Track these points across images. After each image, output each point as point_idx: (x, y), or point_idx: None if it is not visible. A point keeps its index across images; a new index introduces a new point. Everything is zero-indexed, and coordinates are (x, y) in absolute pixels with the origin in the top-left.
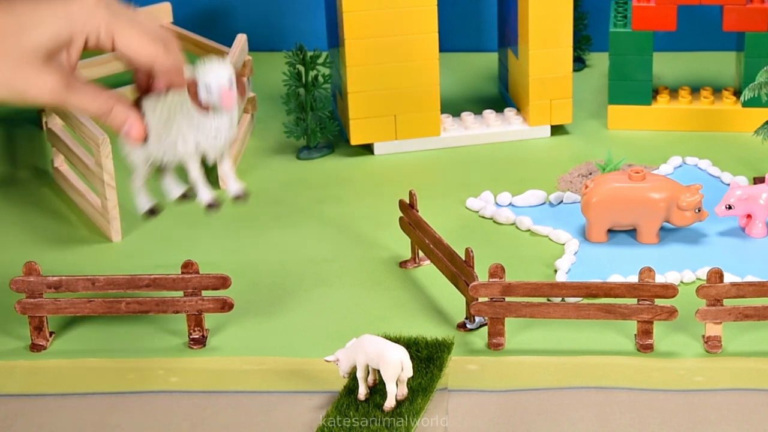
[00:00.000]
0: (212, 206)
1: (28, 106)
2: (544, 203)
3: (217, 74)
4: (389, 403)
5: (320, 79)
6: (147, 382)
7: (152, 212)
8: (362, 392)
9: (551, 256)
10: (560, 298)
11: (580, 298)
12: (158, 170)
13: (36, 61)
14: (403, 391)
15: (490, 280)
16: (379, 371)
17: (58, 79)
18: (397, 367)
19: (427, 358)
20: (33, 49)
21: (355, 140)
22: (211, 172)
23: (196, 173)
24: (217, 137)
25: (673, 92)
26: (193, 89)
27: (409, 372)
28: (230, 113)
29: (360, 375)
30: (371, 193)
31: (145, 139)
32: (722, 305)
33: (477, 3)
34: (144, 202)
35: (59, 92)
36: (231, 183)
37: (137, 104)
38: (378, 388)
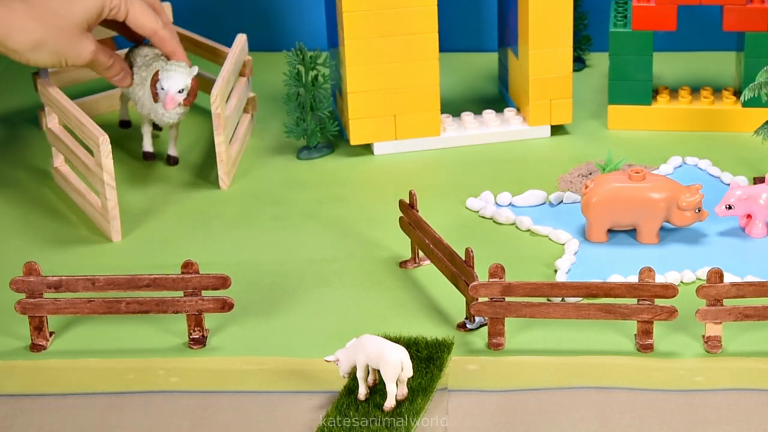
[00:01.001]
0: (149, 156)
1: (65, 67)
2: (544, 203)
3: (173, 81)
4: (389, 403)
5: (320, 79)
6: (147, 382)
7: (150, 156)
8: (362, 392)
9: (551, 256)
10: (560, 298)
11: (580, 298)
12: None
13: (81, 30)
14: (403, 391)
15: (490, 280)
16: (379, 371)
17: (93, 44)
18: (397, 367)
19: (427, 358)
20: (79, 22)
21: (355, 140)
22: (210, 172)
23: (145, 129)
24: (162, 118)
25: (673, 92)
26: (154, 81)
27: (409, 372)
28: (171, 111)
29: (360, 375)
30: (371, 193)
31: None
32: (722, 305)
33: (477, 3)
34: (147, 145)
35: (94, 54)
36: (171, 147)
37: (130, 52)
38: (378, 388)
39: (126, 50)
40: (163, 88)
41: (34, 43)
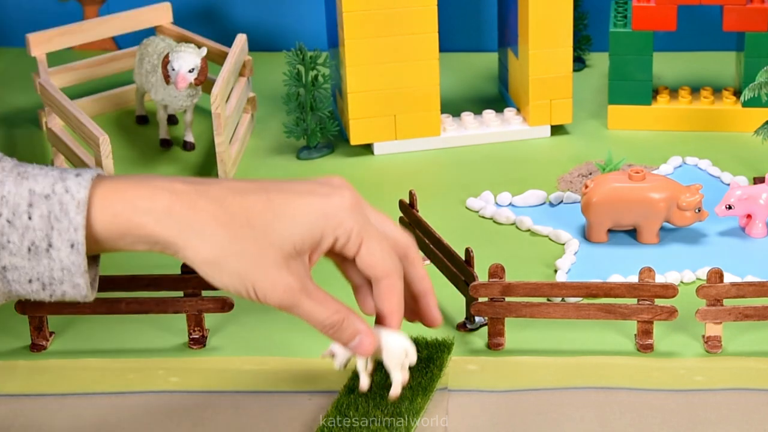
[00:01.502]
0: (165, 143)
1: (252, 300)
2: (544, 203)
3: (183, 61)
4: (395, 391)
5: (320, 79)
6: (147, 382)
7: (166, 143)
8: (364, 383)
9: (551, 256)
10: (560, 298)
11: (580, 298)
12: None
13: (279, 256)
14: (406, 376)
15: (490, 280)
16: (379, 361)
17: (295, 281)
18: (401, 356)
19: (427, 358)
20: (280, 243)
21: (355, 140)
22: (210, 172)
23: (160, 116)
24: (175, 102)
25: (673, 92)
26: (165, 63)
27: (413, 357)
28: (183, 91)
29: (360, 366)
30: (371, 193)
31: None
32: (722, 305)
33: (477, 3)
34: (163, 133)
35: (292, 295)
36: (187, 133)
37: (141, 45)
38: (377, 388)
39: (136, 47)
40: (174, 69)
41: (209, 260)
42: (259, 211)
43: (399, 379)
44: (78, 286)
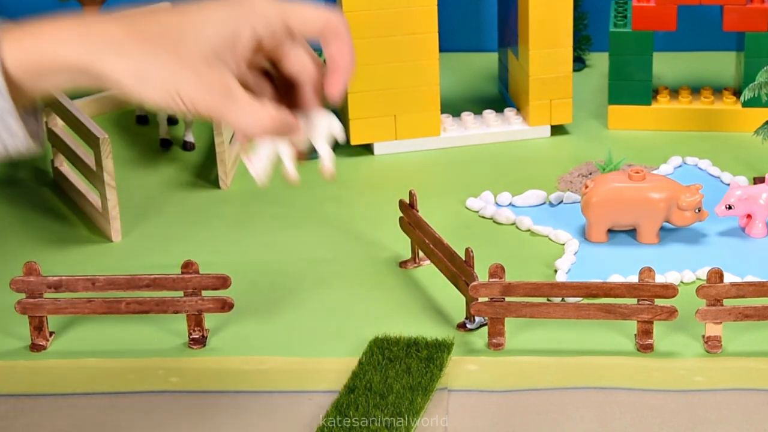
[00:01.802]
0: (166, 143)
1: (182, 115)
2: (544, 203)
3: None
4: (327, 165)
5: None
6: (147, 382)
7: (166, 143)
8: (294, 173)
9: (551, 256)
10: (560, 298)
11: (580, 298)
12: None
13: (199, 60)
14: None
15: (490, 280)
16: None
17: (220, 82)
18: (325, 128)
19: (427, 358)
20: (199, 48)
21: (355, 140)
22: (210, 172)
23: (161, 116)
24: None
25: (673, 92)
26: None
27: (337, 129)
28: None
29: (285, 156)
30: (371, 193)
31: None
32: (722, 305)
33: (477, 3)
34: (163, 132)
35: (220, 96)
36: (187, 133)
37: None
38: (376, 390)
39: None
40: None
41: (133, 69)
42: (174, 23)
43: (326, 151)
44: (12, 130)
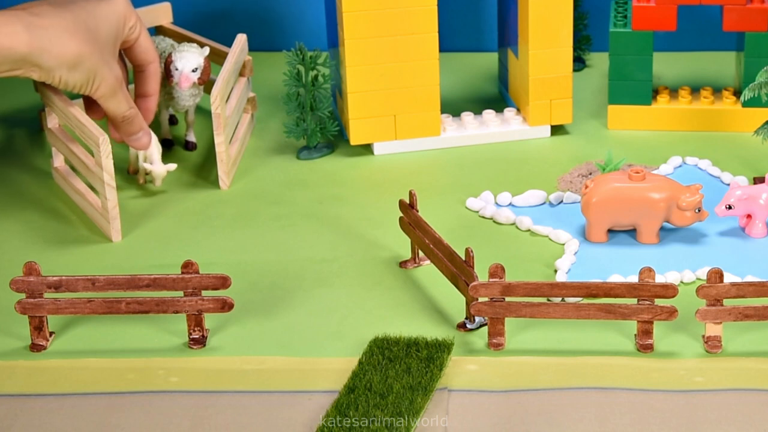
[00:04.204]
0: (167, 143)
1: (93, 91)
2: (544, 203)
3: (186, 61)
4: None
5: (320, 79)
6: (147, 382)
7: (168, 143)
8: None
9: (551, 256)
10: (560, 298)
11: (580, 298)
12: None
13: (110, 53)
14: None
15: (490, 280)
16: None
17: (118, 74)
18: (159, 150)
19: (427, 358)
20: (110, 42)
21: (354, 140)
22: (210, 172)
23: (162, 116)
24: (178, 101)
25: (673, 92)
26: (167, 63)
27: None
28: (186, 91)
29: (140, 159)
30: (371, 193)
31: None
32: (722, 305)
33: (477, 3)
34: (165, 133)
35: (117, 85)
36: (189, 133)
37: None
38: (376, 390)
39: None
40: (177, 69)
41: (71, 60)
42: (88, 18)
43: (158, 168)
44: None
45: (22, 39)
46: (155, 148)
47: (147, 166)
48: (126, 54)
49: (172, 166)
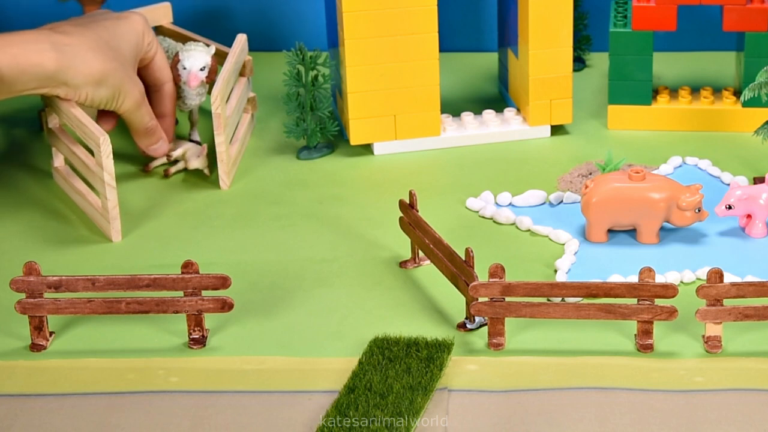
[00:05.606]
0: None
1: (117, 106)
2: (544, 203)
3: (194, 60)
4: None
5: (320, 79)
6: (147, 382)
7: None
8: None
9: (551, 256)
10: (560, 298)
11: (580, 298)
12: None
13: (132, 69)
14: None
15: (490, 280)
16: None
17: (142, 88)
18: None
19: (427, 358)
20: (131, 58)
21: (354, 140)
22: (211, 171)
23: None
24: (185, 101)
25: (673, 92)
26: (175, 62)
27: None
28: (194, 89)
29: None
30: (371, 193)
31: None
32: (722, 305)
33: (477, 3)
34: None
35: (141, 99)
36: (193, 133)
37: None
38: (376, 390)
39: None
40: (185, 68)
41: (97, 77)
42: (109, 37)
43: (197, 165)
44: None
45: (50, 56)
46: (181, 149)
47: (190, 166)
48: (141, 73)
49: (204, 150)
